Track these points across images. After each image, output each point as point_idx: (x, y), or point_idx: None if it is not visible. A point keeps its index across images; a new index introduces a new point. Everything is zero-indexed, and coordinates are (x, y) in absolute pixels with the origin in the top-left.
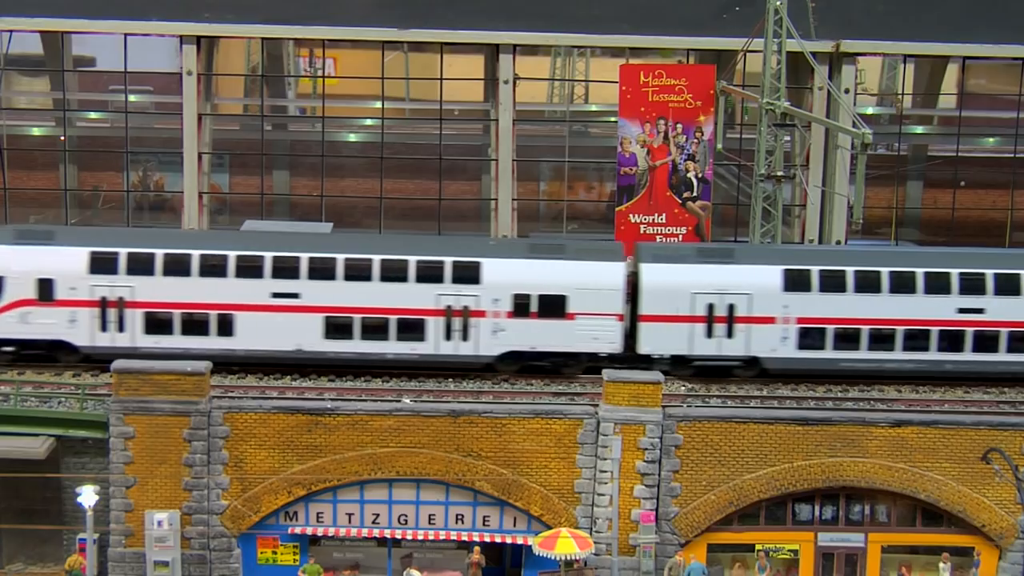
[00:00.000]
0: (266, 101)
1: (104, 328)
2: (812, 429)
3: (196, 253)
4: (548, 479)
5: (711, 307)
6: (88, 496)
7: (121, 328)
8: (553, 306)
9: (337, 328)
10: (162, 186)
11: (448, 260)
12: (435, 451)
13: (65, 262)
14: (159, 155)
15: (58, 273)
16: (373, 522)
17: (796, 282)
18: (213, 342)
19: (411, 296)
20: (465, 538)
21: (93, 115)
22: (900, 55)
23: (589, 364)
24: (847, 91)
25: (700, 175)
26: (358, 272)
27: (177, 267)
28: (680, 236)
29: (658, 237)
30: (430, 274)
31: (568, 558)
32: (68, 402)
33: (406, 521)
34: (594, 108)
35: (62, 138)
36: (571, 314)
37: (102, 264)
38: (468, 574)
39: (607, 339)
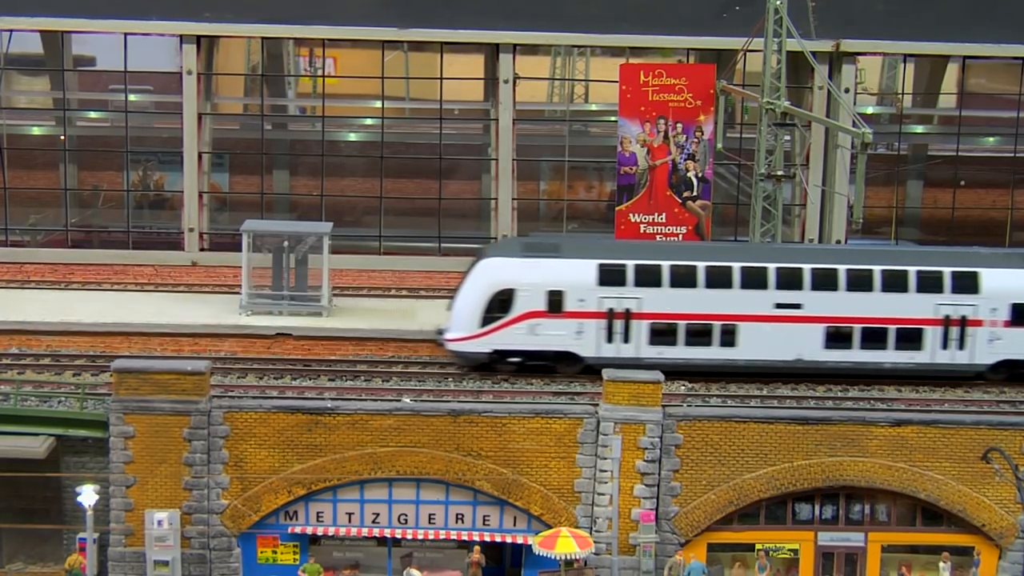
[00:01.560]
0: (266, 101)
1: (610, 339)
2: (812, 428)
3: (702, 265)
4: (548, 478)
5: None
6: (88, 495)
7: (626, 339)
8: None
9: (837, 338)
10: (162, 185)
11: (947, 271)
12: (435, 450)
13: (574, 274)
14: (159, 155)
15: (567, 285)
16: (373, 521)
17: None
18: (715, 352)
19: (910, 306)
20: (465, 537)
21: (93, 115)
22: (900, 55)
23: None
24: (847, 90)
25: (700, 174)
26: (859, 283)
27: (683, 279)
28: (680, 236)
29: (658, 236)
30: (929, 284)
31: (568, 557)
32: (68, 401)
33: (406, 520)
34: (594, 107)
35: (62, 137)
36: None
37: (610, 276)
38: (468, 574)
39: None
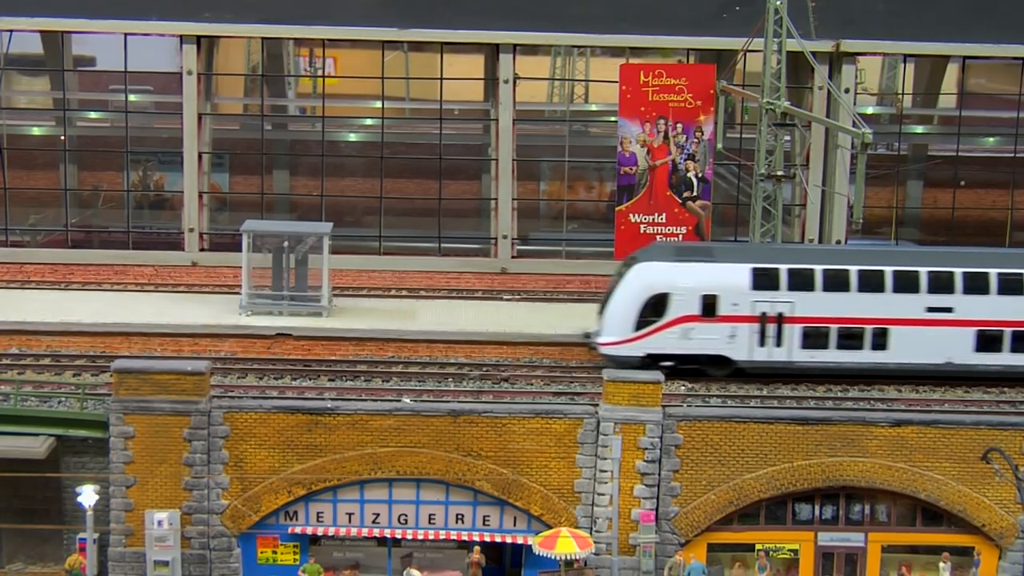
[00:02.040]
0: (266, 101)
1: (762, 343)
2: (812, 429)
3: (854, 269)
4: (548, 479)
5: None
6: (88, 496)
7: (779, 343)
8: None
9: (988, 341)
10: (162, 186)
11: None
12: (435, 451)
13: (728, 279)
14: (159, 155)
15: (721, 289)
16: (373, 522)
17: None
18: (866, 356)
19: None
20: (465, 538)
21: (93, 115)
22: (900, 55)
23: None
24: (847, 91)
25: (700, 175)
26: (1010, 286)
27: (836, 283)
28: (680, 236)
29: (658, 237)
30: None
31: (568, 558)
32: (68, 402)
33: (406, 521)
34: (594, 108)
35: (62, 138)
36: None
37: (764, 280)
38: (468, 574)
39: None
